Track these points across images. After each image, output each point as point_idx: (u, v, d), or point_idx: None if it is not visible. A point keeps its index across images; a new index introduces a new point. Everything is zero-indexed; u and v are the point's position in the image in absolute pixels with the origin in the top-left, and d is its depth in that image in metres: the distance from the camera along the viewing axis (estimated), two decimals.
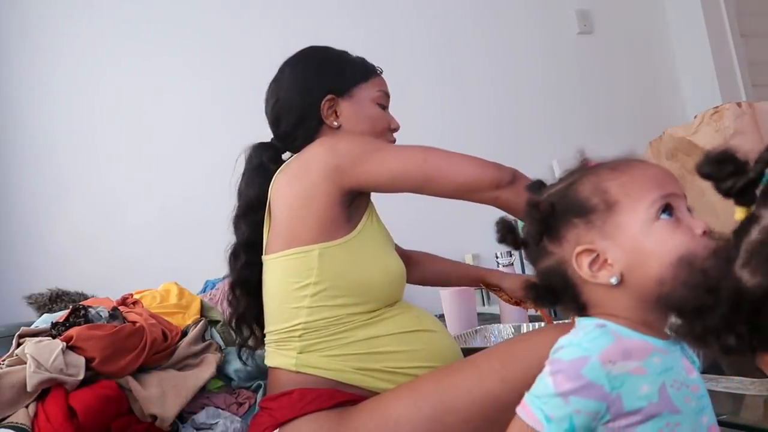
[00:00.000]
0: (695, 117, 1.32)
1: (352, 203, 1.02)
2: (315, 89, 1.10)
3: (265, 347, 1.08)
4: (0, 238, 2.03)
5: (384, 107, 1.16)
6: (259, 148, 1.15)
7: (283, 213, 1.02)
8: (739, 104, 1.26)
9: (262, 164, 1.12)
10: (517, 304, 1.29)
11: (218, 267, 1.99)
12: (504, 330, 1.51)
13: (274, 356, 1.03)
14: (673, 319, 0.50)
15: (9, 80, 2.11)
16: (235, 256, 1.12)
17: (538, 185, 0.69)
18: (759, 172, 0.46)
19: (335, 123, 1.10)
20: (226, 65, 2.28)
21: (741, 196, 0.47)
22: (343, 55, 1.16)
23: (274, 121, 1.14)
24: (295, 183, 1.01)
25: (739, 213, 0.47)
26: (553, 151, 2.30)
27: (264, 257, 1.07)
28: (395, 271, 1.05)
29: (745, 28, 2.79)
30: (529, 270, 0.87)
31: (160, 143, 2.20)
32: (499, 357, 0.89)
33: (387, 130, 1.15)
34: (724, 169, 0.48)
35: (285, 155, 1.17)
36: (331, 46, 1.17)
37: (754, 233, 0.45)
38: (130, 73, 2.21)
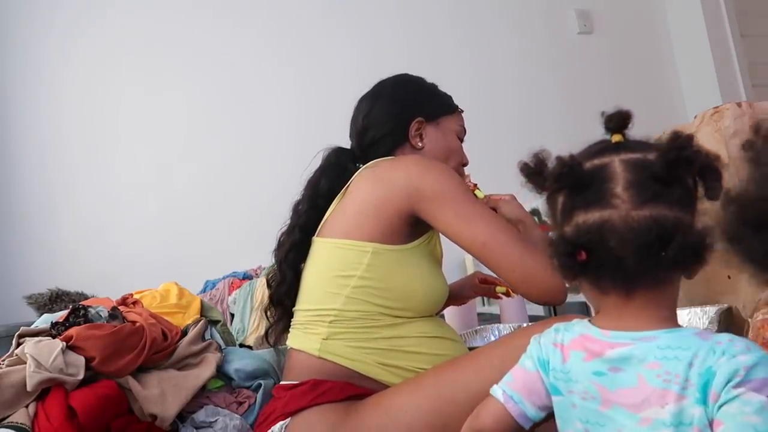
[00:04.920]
0: (695, 117, 1.32)
1: (419, 222, 1.04)
2: (408, 109, 1.17)
3: (291, 329, 1.09)
4: (2, 239, 2.03)
5: (461, 141, 1.24)
6: (340, 152, 1.19)
7: (354, 205, 1.05)
8: (739, 104, 1.25)
9: (340, 163, 1.16)
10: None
11: (218, 267, 2.01)
12: (504, 330, 1.51)
13: (299, 338, 1.05)
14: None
15: (14, 77, 2.11)
16: (289, 233, 1.14)
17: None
18: None
19: (419, 144, 1.17)
20: (227, 71, 2.29)
21: None
22: (436, 87, 1.25)
23: (363, 129, 1.17)
24: (378, 184, 1.04)
25: None
26: (552, 150, 2.30)
27: (316, 237, 1.09)
28: (438, 292, 1.07)
29: (745, 28, 2.79)
30: None
31: (164, 144, 2.20)
32: (498, 352, 0.91)
33: (460, 165, 1.23)
34: None
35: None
36: (424, 78, 1.25)
37: None
38: (137, 74, 2.21)
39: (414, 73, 1.25)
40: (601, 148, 0.61)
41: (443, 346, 1.04)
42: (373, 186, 1.04)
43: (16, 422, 0.95)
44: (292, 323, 1.10)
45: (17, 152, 2.09)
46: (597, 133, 0.65)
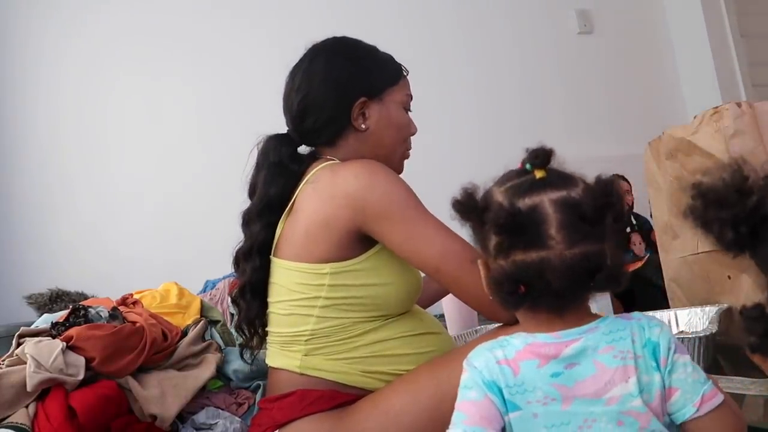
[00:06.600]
0: (695, 117, 1.31)
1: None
2: (350, 90, 1.06)
3: (267, 346, 1.07)
4: (1, 239, 2.03)
5: (408, 110, 1.14)
6: (278, 143, 1.09)
7: (301, 226, 1.00)
8: (739, 104, 1.25)
9: (281, 162, 1.06)
10: None
11: (218, 267, 2.01)
12: None
13: (278, 356, 1.03)
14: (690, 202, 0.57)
15: (13, 77, 2.11)
16: (246, 257, 1.06)
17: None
18: None
19: (363, 126, 1.07)
20: (224, 68, 2.29)
21: None
22: (376, 53, 1.13)
23: (300, 114, 1.07)
24: (319, 203, 0.98)
25: None
26: (555, 150, 2.30)
27: (273, 258, 1.04)
28: (410, 289, 1.03)
29: (745, 28, 2.79)
30: None
31: (162, 144, 2.20)
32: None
33: (409, 137, 1.14)
34: None
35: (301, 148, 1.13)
36: (362, 41, 1.14)
37: None
38: (134, 73, 2.22)
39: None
40: (529, 186, 0.66)
41: (427, 342, 1.02)
42: (316, 206, 0.98)
43: (16, 422, 0.95)
44: (267, 341, 1.07)
45: (16, 153, 2.09)
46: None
